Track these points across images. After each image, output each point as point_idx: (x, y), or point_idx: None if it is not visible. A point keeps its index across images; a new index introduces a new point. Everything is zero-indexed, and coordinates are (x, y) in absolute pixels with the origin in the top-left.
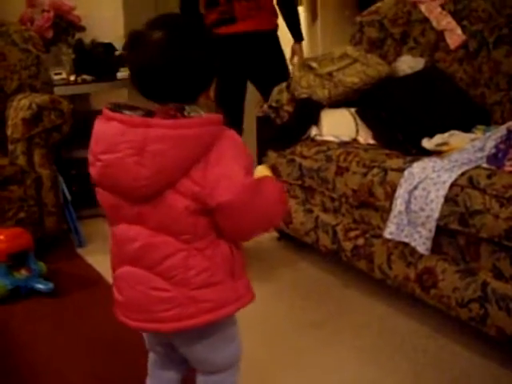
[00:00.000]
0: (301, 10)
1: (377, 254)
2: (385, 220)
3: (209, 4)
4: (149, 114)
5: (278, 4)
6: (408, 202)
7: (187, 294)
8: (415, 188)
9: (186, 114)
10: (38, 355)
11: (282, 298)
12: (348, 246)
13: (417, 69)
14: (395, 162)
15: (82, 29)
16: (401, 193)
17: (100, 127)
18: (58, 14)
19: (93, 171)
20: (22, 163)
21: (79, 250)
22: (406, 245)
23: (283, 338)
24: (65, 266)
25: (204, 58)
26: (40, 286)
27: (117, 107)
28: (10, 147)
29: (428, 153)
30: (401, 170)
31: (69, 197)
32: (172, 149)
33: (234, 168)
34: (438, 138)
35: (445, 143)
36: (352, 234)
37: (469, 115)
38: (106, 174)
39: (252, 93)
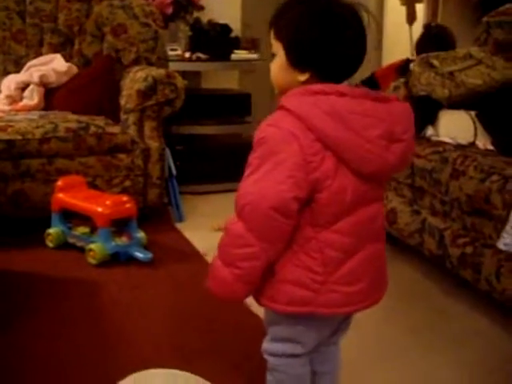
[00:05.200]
0: (420, 7)
1: (485, 264)
2: (498, 230)
3: None
4: None
5: None
6: None
7: None
8: None
9: None
10: (128, 319)
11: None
12: (455, 252)
13: None
14: None
15: (201, 8)
16: None
17: (388, 108)
18: None
19: (388, 155)
20: (133, 133)
21: (177, 225)
22: None
23: (378, 339)
24: (162, 238)
25: None
26: (139, 255)
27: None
28: (123, 117)
29: None
30: None
31: (174, 171)
32: None
33: None
34: None
35: None
36: (460, 240)
37: None
38: (405, 153)
39: None
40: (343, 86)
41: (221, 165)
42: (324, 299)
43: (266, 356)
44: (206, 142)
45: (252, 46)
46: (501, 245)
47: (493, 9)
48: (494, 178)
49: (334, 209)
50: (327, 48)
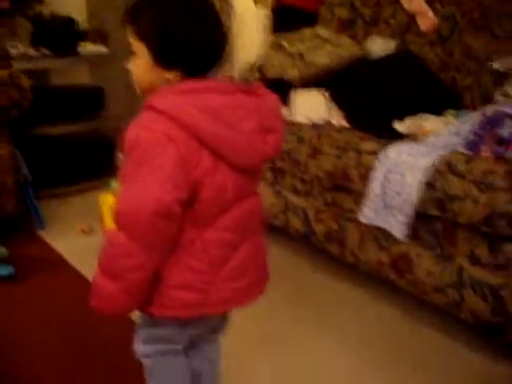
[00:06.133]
0: None
1: (349, 237)
2: (358, 203)
3: None
4: None
5: None
6: (383, 186)
7: None
8: (390, 172)
9: None
10: (3, 340)
11: None
12: (319, 229)
13: (388, 51)
14: (370, 145)
15: (40, 1)
16: (376, 176)
17: (258, 100)
18: None
19: (264, 146)
20: None
21: (40, 232)
22: (380, 229)
23: (250, 319)
24: (25, 248)
25: None
26: (0, 272)
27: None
28: None
29: (400, 135)
30: (376, 153)
31: (29, 177)
32: None
33: None
34: (409, 121)
35: (418, 126)
36: (323, 216)
37: (439, 98)
38: (279, 142)
39: None
40: (213, 82)
41: (79, 163)
42: (214, 298)
43: (142, 359)
44: (62, 141)
45: (100, 37)
46: (362, 217)
47: None
48: (350, 153)
49: (217, 206)
50: (193, 42)
